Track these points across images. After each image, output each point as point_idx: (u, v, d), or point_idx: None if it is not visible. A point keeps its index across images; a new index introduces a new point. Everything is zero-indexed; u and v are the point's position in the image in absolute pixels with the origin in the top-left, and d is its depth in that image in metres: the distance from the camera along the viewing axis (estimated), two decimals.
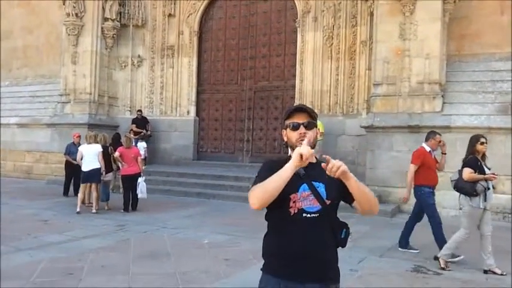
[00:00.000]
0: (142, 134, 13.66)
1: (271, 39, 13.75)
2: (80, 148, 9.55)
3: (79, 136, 9.79)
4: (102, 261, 5.58)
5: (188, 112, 14.68)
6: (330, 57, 12.31)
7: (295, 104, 12.32)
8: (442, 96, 9.74)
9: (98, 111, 14.16)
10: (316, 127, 2.18)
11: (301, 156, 1.92)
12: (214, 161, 14.04)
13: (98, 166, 9.19)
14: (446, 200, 9.47)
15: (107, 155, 9.54)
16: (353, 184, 2.00)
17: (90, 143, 9.40)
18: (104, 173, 9.36)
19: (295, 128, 2.13)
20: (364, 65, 11.61)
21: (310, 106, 10.76)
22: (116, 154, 9.42)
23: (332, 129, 12.03)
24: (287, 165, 1.96)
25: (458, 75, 10.27)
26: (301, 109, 2.17)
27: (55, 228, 7.49)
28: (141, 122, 13.99)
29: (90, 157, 9.17)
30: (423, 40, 9.74)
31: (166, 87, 14.83)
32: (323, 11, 12.44)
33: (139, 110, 14.27)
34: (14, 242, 6.40)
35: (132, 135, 11.11)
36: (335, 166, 1.91)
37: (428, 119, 9.63)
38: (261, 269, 2.21)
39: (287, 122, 2.17)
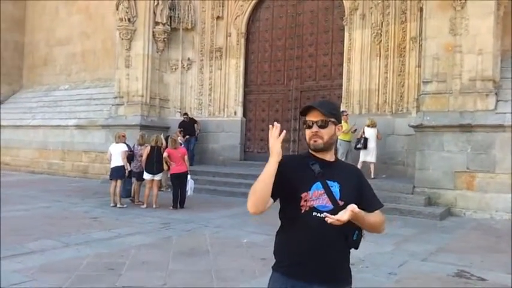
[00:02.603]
0: (187, 137, 13.86)
1: (318, 38, 13.63)
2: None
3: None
4: (143, 257, 5.77)
5: (235, 113, 14.85)
6: (379, 55, 12.02)
7: (341, 104, 12.17)
8: (496, 93, 9.23)
9: (149, 113, 14.61)
10: (335, 124, 2.13)
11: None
12: (260, 162, 13.94)
13: (121, 164, 9.74)
14: (500, 202, 9.03)
15: (159, 155, 9.84)
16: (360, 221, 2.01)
17: (117, 143, 9.97)
18: (126, 171, 9.81)
19: (309, 126, 2.12)
20: (414, 62, 11.25)
21: (357, 104, 10.46)
22: (165, 155, 9.76)
23: (381, 129, 11.71)
24: (271, 159, 1.99)
25: None
26: (313, 107, 2.11)
27: (103, 225, 7.82)
28: (188, 124, 14.15)
29: (115, 156, 9.82)
30: (475, 35, 9.27)
31: (214, 89, 15.07)
32: (371, 8, 12.17)
33: (186, 113, 14.49)
34: (63, 237, 6.76)
35: (178, 137, 11.37)
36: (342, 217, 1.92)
37: (481, 117, 9.17)
38: (272, 267, 2.19)
39: (302, 119, 2.16)
